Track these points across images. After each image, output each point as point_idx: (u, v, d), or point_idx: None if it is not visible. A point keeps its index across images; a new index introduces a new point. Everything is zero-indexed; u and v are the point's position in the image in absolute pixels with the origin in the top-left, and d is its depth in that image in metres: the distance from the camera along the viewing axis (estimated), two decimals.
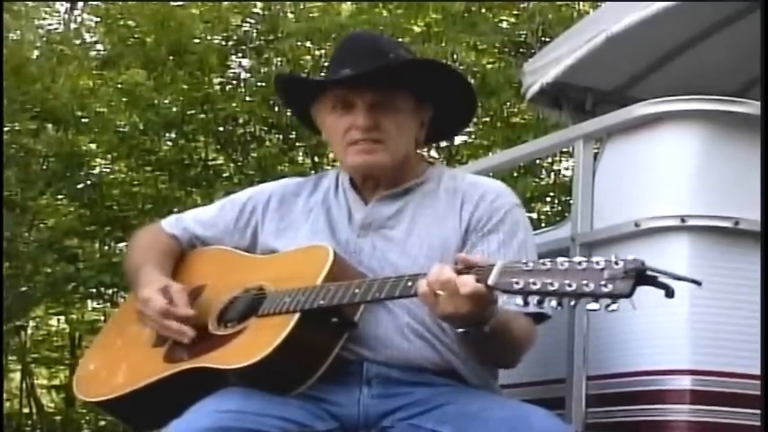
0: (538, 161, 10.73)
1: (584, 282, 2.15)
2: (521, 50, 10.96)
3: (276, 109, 10.56)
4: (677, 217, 2.88)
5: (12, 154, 10.48)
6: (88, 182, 10.85)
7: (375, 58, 2.81)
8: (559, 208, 10.81)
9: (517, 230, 2.79)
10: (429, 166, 2.97)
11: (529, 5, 10.84)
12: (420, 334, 2.71)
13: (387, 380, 2.68)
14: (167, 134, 10.92)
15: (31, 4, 12.65)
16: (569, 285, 2.17)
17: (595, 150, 3.22)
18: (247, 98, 10.73)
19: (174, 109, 10.48)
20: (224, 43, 11.19)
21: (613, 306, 2.14)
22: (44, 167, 10.88)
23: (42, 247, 10.70)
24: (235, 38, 11.26)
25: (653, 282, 2.14)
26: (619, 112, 3.14)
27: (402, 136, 2.85)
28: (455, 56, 10.27)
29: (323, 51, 10.65)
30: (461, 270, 2.36)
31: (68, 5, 13.12)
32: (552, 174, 11.41)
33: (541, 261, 2.23)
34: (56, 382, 14.52)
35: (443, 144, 11.51)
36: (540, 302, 2.21)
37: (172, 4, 10.93)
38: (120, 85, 10.62)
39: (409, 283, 2.46)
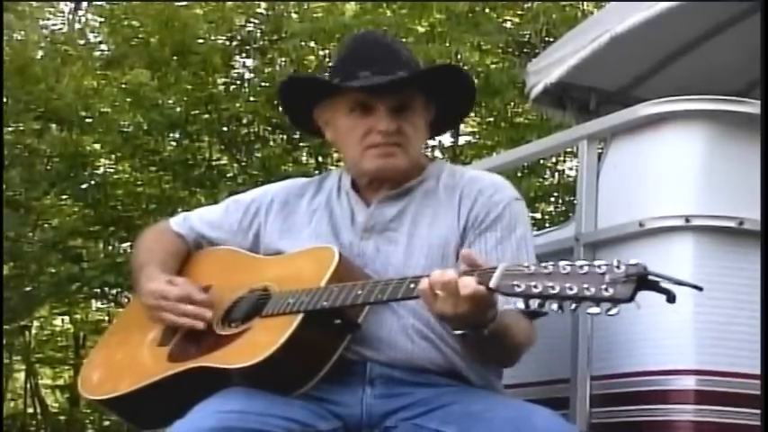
0: (542, 161, 10.72)
1: (586, 285, 2.15)
2: (525, 50, 10.95)
3: (280, 109, 10.56)
4: (681, 217, 2.88)
5: (16, 154, 10.50)
6: (92, 182, 10.85)
7: (393, 62, 2.81)
8: (563, 208, 10.80)
9: (516, 226, 2.79)
10: (429, 162, 2.97)
11: (533, 5, 10.83)
12: (424, 335, 2.71)
13: (390, 380, 2.69)
14: (171, 134, 10.92)
15: (35, 4, 12.67)
16: (570, 289, 2.17)
17: (599, 150, 3.22)
18: (251, 98, 10.72)
19: (178, 109, 10.48)
20: (228, 43, 11.19)
21: (614, 310, 2.14)
22: (48, 167, 10.88)
23: (46, 248, 10.71)
24: (239, 38, 11.25)
25: (654, 286, 2.14)
26: (623, 112, 3.14)
27: (418, 138, 2.87)
28: (459, 56, 10.25)
29: (327, 51, 10.65)
30: (464, 272, 2.36)
31: (72, 6, 13.13)
32: (556, 174, 11.39)
33: (543, 264, 2.23)
34: (60, 381, 14.55)
35: (447, 144, 11.53)
36: (541, 306, 2.21)
37: (176, 4, 10.93)
38: (124, 86, 10.63)
39: (412, 285, 2.46)
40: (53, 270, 10.70)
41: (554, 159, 11.03)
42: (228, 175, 11.03)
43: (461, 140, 11.68)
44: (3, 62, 9.79)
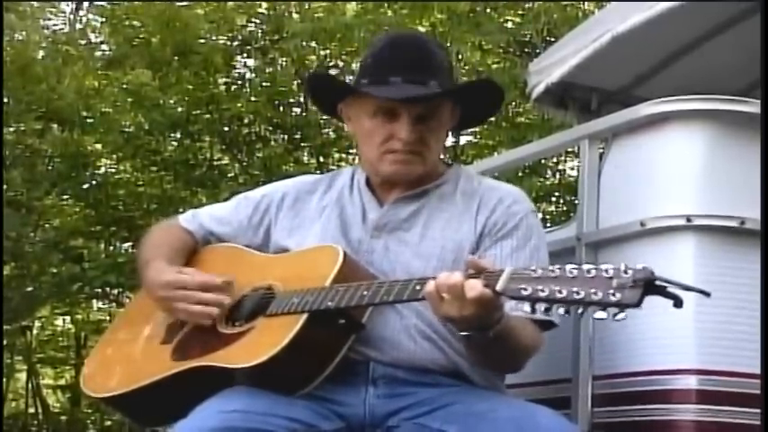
0: (543, 161, 10.72)
1: (593, 290, 2.15)
2: (526, 50, 10.94)
3: (281, 109, 10.57)
4: (683, 216, 2.88)
5: (17, 154, 10.50)
6: (93, 182, 10.86)
7: (426, 68, 2.80)
8: (565, 208, 10.80)
9: (531, 236, 2.80)
10: (447, 167, 2.98)
11: (534, 5, 10.82)
12: (427, 336, 2.71)
13: (393, 380, 2.69)
14: (172, 134, 10.92)
15: (36, 4, 12.65)
16: (577, 293, 2.16)
17: (601, 150, 3.22)
18: (252, 98, 10.73)
19: (180, 109, 10.48)
20: (229, 43, 11.19)
21: (621, 315, 2.13)
22: (49, 168, 10.88)
23: (48, 248, 10.71)
24: (240, 38, 11.26)
25: (661, 291, 2.13)
26: (624, 111, 3.14)
27: (438, 145, 2.88)
28: (460, 56, 10.26)
29: (328, 51, 10.65)
30: (471, 275, 2.36)
31: (74, 6, 13.12)
32: (557, 174, 11.40)
33: (550, 268, 2.22)
34: (61, 382, 14.53)
35: (449, 144, 11.52)
36: (547, 310, 2.21)
37: (177, 4, 10.93)
38: (125, 86, 10.63)
39: (417, 287, 2.46)
40: (54, 270, 10.70)
41: (555, 159, 11.03)
42: (230, 175, 11.03)
43: (462, 140, 11.67)
44: (3, 62, 9.79)
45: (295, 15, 11.03)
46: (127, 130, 10.63)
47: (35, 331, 13.53)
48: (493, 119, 11.00)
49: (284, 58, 11.05)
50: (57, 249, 10.70)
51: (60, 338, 14.09)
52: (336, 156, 11.20)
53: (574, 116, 5.36)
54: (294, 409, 2.58)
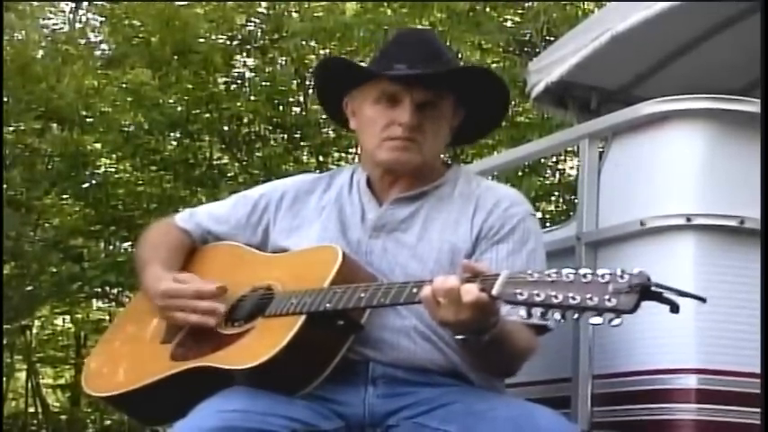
0: (543, 160, 10.72)
1: (589, 295, 2.14)
2: (525, 49, 10.94)
3: (281, 108, 10.57)
4: (683, 216, 2.88)
5: (17, 154, 10.50)
6: (93, 181, 10.85)
7: (432, 58, 2.81)
8: (564, 207, 10.80)
9: (528, 239, 2.79)
10: (446, 168, 2.97)
11: (533, 4, 10.82)
12: (426, 336, 2.71)
13: (392, 380, 2.69)
14: (172, 134, 10.92)
15: (35, 3, 12.65)
16: (573, 298, 2.16)
17: (600, 149, 3.22)
18: (252, 98, 10.72)
19: (179, 108, 10.48)
20: (228, 43, 11.19)
21: (616, 321, 2.13)
22: (49, 167, 10.89)
23: (47, 247, 10.71)
24: (239, 37, 11.25)
25: (658, 297, 2.13)
26: (624, 111, 3.14)
27: (437, 139, 2.87)
28: (460, 55, 10.25)
29: (327, 51, 10.65)
30: (467, 279, 2.36)
31: (73, 5, 13.11)
32: (557, 173, 11.39)
33: (546, 272, 2.22)
34: (61, 381, 14.54)
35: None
36: (543, 314, 2.20)
37: (176, 3, 10.93)
38: (124, 85, 10.63)
39: (414, 290, 2.46)
40: (54, 269, 10.70)
41: (555, 158, 11.02)
42: (229, 174, 11.03)
43: None
44: (3, 62, 9.78)
45: (294, 15, 11.03)
46: (126, 129, 10.63)
47: (35, 330, 13.54)
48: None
49: (284, 58, 11.05)
50: (56, 249, 10.71)
51: (60, 338, 14.09)
52: (336, 155, 11.19)
53: (573, 115, 5.36)
54: (294, 408, 2.58)
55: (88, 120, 10.78)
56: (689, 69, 5.07)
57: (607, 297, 2.12)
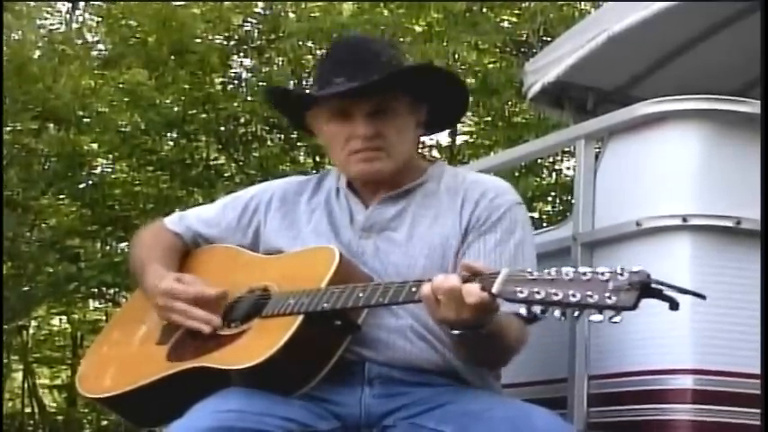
0: (539, 161, 10.73)
1: (589, 293, 2.14)
2: (522, 50, 10.96)
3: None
4: (679, 216, 2.88)
5: (14, 154, 10.49)
6: (90, 182, 10.87)
7: (369, 65, 2.78)
8: (561, 207, 10.81)
9: (515, 229, 2.78)
10: (429, 164, 2.97)
11: (530, 5, 10.84)
12: (422, 336, 2.71)
13: (388, 380, 2.68)
14: (169, 134, 10.93)
15: (32, 3, 12.64)
16: (573, 296, 2.16)
17: (597, 150, 3.22)
18: (249, 98, 10.73)
19: (176, 109, 10.49)
20: (225, 43, 11.20)
21: (617, 318, 2.13)
22: (46, 167, 10.89)
23: (44, 247, 10.71)
24: (236, 37, 11.26)
25: (657, 294, 2.13)
26: (620, 111, 3.14)
27: (403, 140, 2.84)
28: (456, 55, 10.27)
29: (324, 51, 10.65)
30: (467, 278, 2.36)
31: (70, 5, 13.11)
32: (554, 173, 11.41)
33: (546, 270, 2.22)
34: (58, 381, 14.55)
35: (445, 144, 11.53)
36: (543, 312, 2.20)
37: (173, 3, 10.93)
38: (121, 85, 10.63)
39: (413, 289, 2.46)
40: (51, 270, 10.70)
41: (551, 159, 11.04)
42: (226, 174, 11.05)
43: (459, 140, 11.69)
44: (2, 62, 9.78)
45: (291, 15, 11.04)
46: (123, 129, 10.64)
47: (31, 331, 13.54)
48: (489, 118, 11.04)
49: (281, 58, 11.06)
50: (53, 249, 10.71)
51: (56, 338, 14.10)
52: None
53: (570, 116, 5.36)
54: (290, 409, 2.58)
55: (85, 120, 10.78)
56: (685, 70, 5.08)
57: (607, 294, 2.12)
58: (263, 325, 2.66)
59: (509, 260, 2.68)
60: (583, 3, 11.09)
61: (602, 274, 2.15)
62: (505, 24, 11.08)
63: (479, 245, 2.75)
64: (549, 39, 9.37)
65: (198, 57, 10.50)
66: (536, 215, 10.65)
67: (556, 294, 2.18)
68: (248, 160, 11.10)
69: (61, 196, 11.13)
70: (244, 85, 11.11)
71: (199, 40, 10.71)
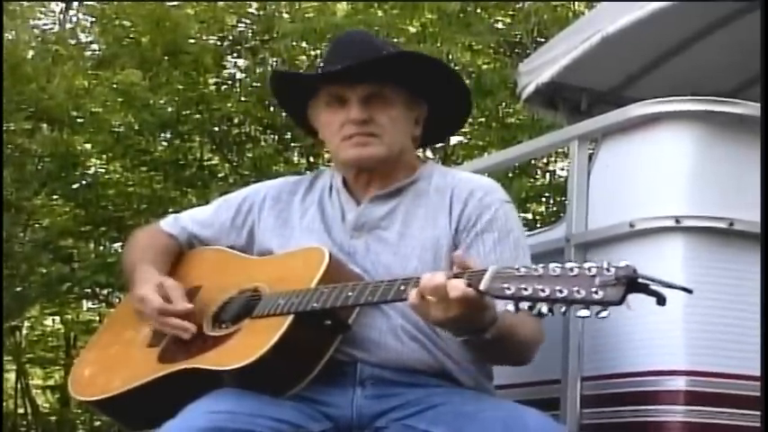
0: (533, 161, 10.73)
1: (576, 288, 2.15)
2: (516, 51, 10.96)
3: (271, 109, 10.57)
4: (672, 218, 2.88)
5: (7, 154, 10.47)
6: (83, 182, 10.85)
7: (366, 52, 2.82)
8: (554, 208, 10.81)
9: (510, 228, 2.80)
10: (421, 163, 2.97)
11: (524, 6, 10.84)
12: (413, 336, 2.70)
13: (380, 381, 2.68)
14: (162, 134, 10.92)
15: (26, 3, 12.63)
16: (560, 291, 2.16)
17: (590, 151, 3.21)
18: (243, 98, 10.73)
19: (170, 109, 10.48)
20: (219, 43, 11.19)
21: (604, 313, 2.13)
22: (39, 167, 10.87)
23: (37, 248, 10.69)
24: (230, 38, 11.26)
25: (644, 289, 2.13)
26: (614, 112, 3.14)
27: (397, 129, 2.85)
28: (450, 56, 10.25)
29: (318, 51, 10.65)
30: (454, 274, 2.36)
31: (63, 5, 13.10)
32: (547, 174, 11.41)
33: (534, 267, 2.23)
34: (51, 382, 14.52)
35: (439, 144, 11.52)
36: (531, 308, 2.20)
37: (167, 4, 10.93)
38: (115, 85, 10.61)
39: (402, 287, 2.46)
40: (44, 270, 10.69)
41: (545, 160, 11.05)
42: (220, 175, 11.04)
43: (453, 140, 11.68)
44: (2, 61, 9.75)
45: (285, 15, 11.03)
46: (117, 129, 10.62)
47: (24, 331, 13.52)
48: (483, 119, 11.04)
49: (275, 59, 11.04)
50: (46, 249, 10.69)
51: (50, 339, 14.07)
52: (326, 156, 11.18)
53: (564, 117, 5.37)
54: (281, 410, 2.58)
55: (78, 120, 10.77)
56: (679, 71, 5.08)
57: (594, 290, 2.13)
58: (254, 325, 2.66)
59: (509, 259, 2.69)
60: (577, 3, 11.09)
61: (589, 269, 2.16)
62: (499, 25, 11.09)
63: (478, 246, 2.75)
64: (542, 40, 9.38)
65: (192, 57, 10.50)
66: (529, 216, 10.66)
67: (543, 291, 2.18)
68: (242, 161, 11.10)
69: (54, 196, 11.11)
70: (238, 85, 11.10)
71: (193, 41, 10.71)
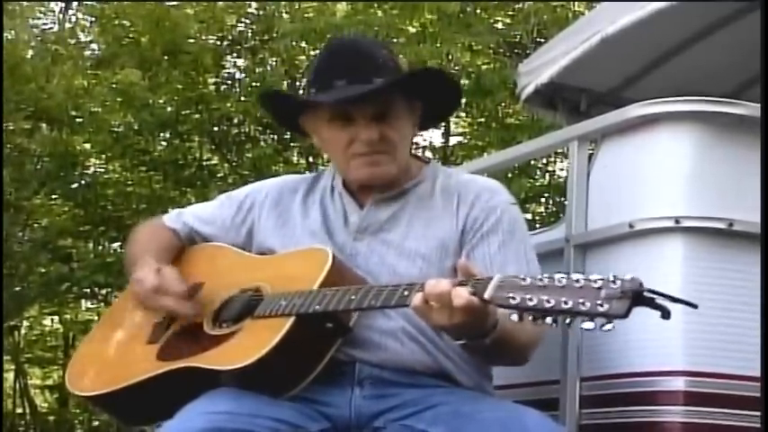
0: (533, 162, 10.74)
1: (581, 300, 2.13)
2: (516, 51, 10.96)
3: None
4: (671, 218, 2.88)
5: (6, 153, 10.48)
6: (82, 182, 10.86)
7: (367, 67, 2.78)
8: (554, 209, 10.82)
9: (516, 230, 2.79)
10: (424, 165, 2.96)
11: (524, 6, 10.84)
12: (414, 337, 2.70)
13: (379, 381, 2.68)
14: (162, 134, 10.93)
15: (25, 3, 12.64)
16: (565, 303, 2.15)
17: (590, 151, 3.21)
18: (242, 98, 10.74)
19: (169, 109, 10.49)
20: (219, 43, 11.20)
21: (608, 326, 2.12)
22: (38, 167, 10.88)
23: (36, 247, 10.71)
24: (230, 38, 11.27)
25: (649, 303, 2.12)
26: (613, 113, 3.13)
27: (405, 143, 2.86)
28: (450, 56, 10.27)
29: (318, 51, 10.65)
30: (459, 282, 2.36)
31: (63, 5, 13.11)
32: (547, 175, 11.42)
33: (539, 276, 2.21)
34: (49, 382, 14.54)
35: (438, 145, 11.53)
36: (535, 319, 2.20)
37: (167, 4, 10.94)
38: (114, 85, 10.63)
39: (405, 293, 2.44)
40: (43, 270, 10.70)
41: (545, 160, 11.05)
42: (219, 175, 11.05)
43: (452, 141, 11.69)
44: (3, 61, 9.75)
45: (285, 15, 11.04)
46: (116, 129, 10.64)
47: (23, 331, 13.53)
48: (483, 119, 11.05)
49: (274, 58, 11.06)
50: (45, 249, 10.71)
51: (48, 338, 14.09)
52: (326, 156, 11.18)
53: (563, 117, 5.37)
54: (280, 410, 2.57)
55: (78, 120, 10.78)
56: (679, 71, 5.08)
57: (599, 302, 2.11)
58: (255, 326, 2.65)
59: (515, 260, 2.70)
60: (576, 4, 11.09)
61: (595, 281, 2.14)
62: (499, 26, 11.10)
63: (483, 248, 2.75)
64: (542, 40, 9.38)
65: (191, 57, 10.51)
66: (529, 217, 10.66)
67: (548, 301, 2.17)
68: (241, 161, 11.11)
69: (54, 196, 11.13)
70: (237, 85, 11.11)
71: (192, 41, 10.72)
